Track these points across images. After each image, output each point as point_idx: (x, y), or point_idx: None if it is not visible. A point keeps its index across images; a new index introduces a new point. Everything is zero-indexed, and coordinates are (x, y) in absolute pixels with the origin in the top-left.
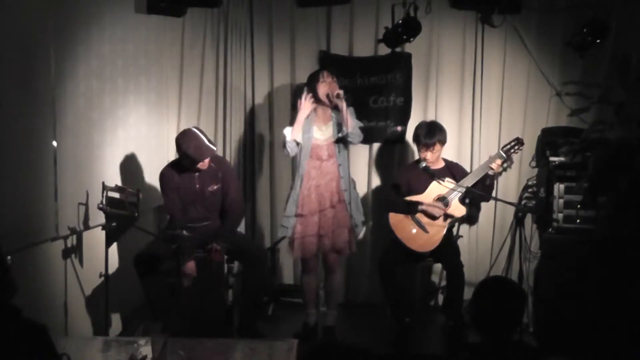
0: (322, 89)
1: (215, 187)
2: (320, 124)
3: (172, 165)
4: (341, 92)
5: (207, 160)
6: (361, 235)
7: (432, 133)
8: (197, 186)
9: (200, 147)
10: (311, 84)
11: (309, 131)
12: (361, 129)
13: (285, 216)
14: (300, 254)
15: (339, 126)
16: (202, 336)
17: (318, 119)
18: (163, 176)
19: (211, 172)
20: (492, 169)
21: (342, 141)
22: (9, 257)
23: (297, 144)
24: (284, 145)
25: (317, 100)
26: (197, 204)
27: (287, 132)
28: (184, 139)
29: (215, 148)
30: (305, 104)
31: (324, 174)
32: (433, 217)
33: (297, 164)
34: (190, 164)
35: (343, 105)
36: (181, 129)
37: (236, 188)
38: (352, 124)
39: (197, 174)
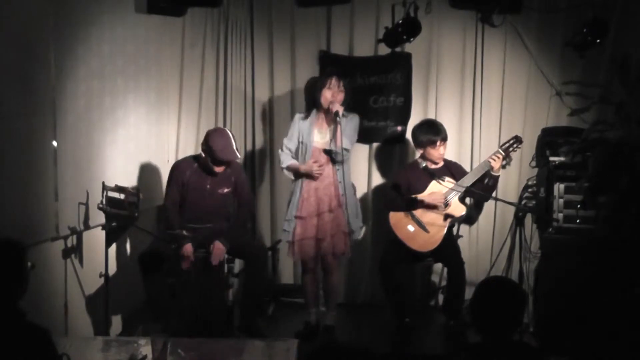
0: (326, 97)
1: (226, 190)
2: (321, 127)
3: (188, 160)
4: (341, 109)
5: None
6: (360, 236)
7: (438, 127)
8: (208, 186)
9: (227, 148)
10: (318, 88)
11: (310, 134)
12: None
13: (286, 220)
14: (299, 256)
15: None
16: (202, 336)
17: (319, 122)
18: (174, 168)
19: (225, 176)
20: (492, 167)
21: (328, 154)
22: (29, 264)
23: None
24: (282, 167)
25: (318, 106)
26: (205, 204)
27: (285, 158)
28: (215, 135)
29: (240, 156)
30: (312, 170)
31: (323, 178)
32: (435, 207)
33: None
34: (210, 161)
35: (338, 125)
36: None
37: (248, 195)
38: (343, 143)
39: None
